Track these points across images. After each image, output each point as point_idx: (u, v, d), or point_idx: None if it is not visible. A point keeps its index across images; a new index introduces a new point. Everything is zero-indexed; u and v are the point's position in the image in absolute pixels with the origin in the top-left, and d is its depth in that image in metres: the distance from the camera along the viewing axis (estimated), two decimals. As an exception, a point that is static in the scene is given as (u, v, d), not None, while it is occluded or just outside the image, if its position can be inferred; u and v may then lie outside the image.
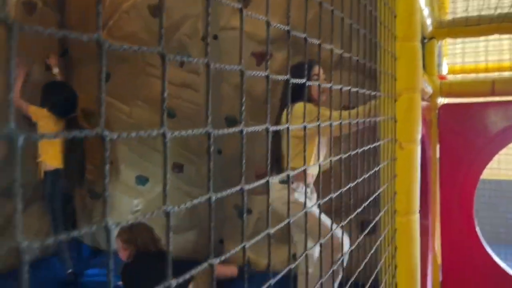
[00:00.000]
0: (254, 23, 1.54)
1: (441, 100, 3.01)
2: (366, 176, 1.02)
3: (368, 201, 1.04)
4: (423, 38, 2.74)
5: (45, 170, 3.12)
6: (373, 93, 1.03)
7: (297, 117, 2.01)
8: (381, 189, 1.11)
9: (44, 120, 3.07)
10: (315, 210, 0.79)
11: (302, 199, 2.17)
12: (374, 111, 1.37)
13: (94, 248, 3.55)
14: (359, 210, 0.94)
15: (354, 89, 0.94)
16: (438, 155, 2.96)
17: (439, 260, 3.05)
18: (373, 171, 1.07)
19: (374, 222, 1.06)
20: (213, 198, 0.47)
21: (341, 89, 0.86)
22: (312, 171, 2.28)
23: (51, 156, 3.11)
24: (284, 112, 2.25)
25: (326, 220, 1.32)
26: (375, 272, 1.04)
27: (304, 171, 0.70)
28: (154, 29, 3.16)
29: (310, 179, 2.38)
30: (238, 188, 0.52)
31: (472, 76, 3.55)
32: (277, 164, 2.05)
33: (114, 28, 3.33)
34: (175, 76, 3.17)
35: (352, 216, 0.91)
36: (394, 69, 1.24)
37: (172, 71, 3.15)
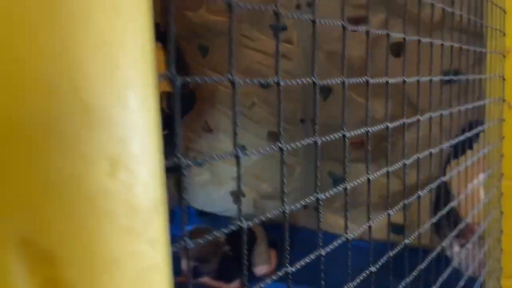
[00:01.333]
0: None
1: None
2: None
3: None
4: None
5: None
6: (478, 50, 0.98)
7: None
8: (484, 150, 1.06)
9: None
10: None
11: None
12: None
13: (197, 210, 3.83)
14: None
15: (456, 47, 0.90)
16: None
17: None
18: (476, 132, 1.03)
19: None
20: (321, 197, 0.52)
21: (442, 46, 0.82)
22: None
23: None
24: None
25: None
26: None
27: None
28: (252, -2, 3.21)
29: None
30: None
31: None
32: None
33: (211, 2, 3.44)
34: (270, 46, 3.21)
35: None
36: (503, 23, 1.17)
37: (266, 42, 3.20)
